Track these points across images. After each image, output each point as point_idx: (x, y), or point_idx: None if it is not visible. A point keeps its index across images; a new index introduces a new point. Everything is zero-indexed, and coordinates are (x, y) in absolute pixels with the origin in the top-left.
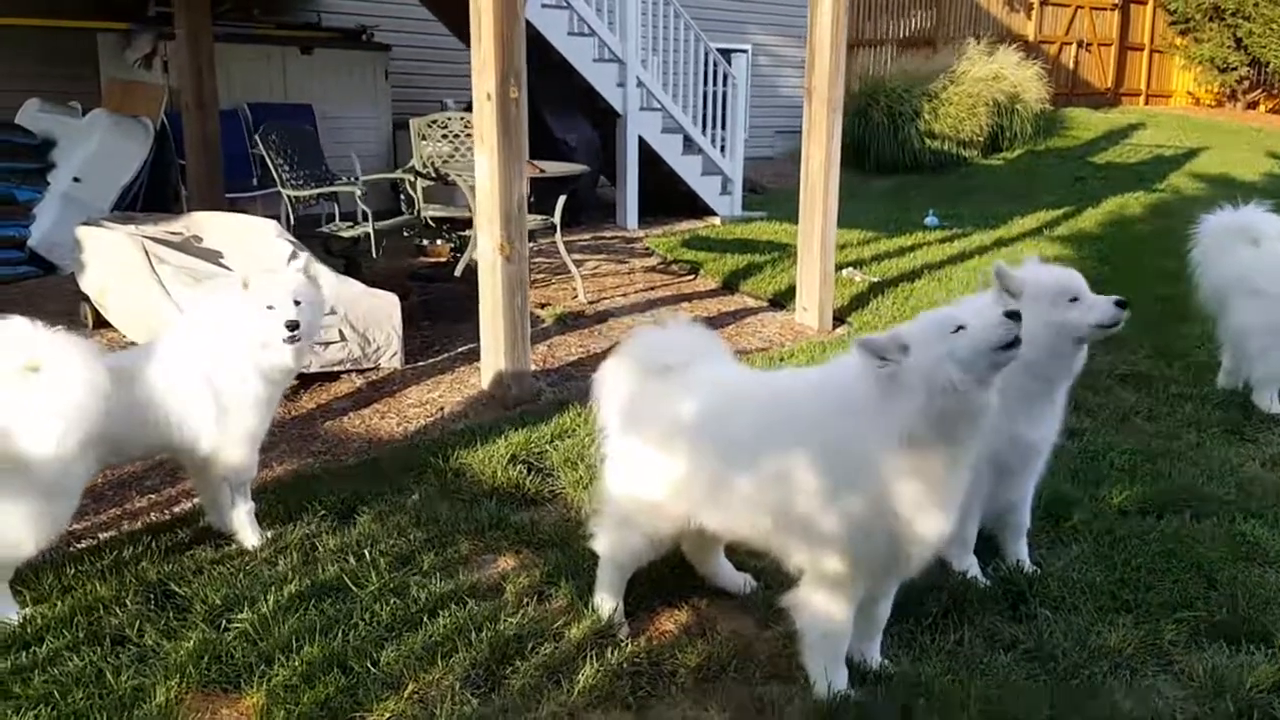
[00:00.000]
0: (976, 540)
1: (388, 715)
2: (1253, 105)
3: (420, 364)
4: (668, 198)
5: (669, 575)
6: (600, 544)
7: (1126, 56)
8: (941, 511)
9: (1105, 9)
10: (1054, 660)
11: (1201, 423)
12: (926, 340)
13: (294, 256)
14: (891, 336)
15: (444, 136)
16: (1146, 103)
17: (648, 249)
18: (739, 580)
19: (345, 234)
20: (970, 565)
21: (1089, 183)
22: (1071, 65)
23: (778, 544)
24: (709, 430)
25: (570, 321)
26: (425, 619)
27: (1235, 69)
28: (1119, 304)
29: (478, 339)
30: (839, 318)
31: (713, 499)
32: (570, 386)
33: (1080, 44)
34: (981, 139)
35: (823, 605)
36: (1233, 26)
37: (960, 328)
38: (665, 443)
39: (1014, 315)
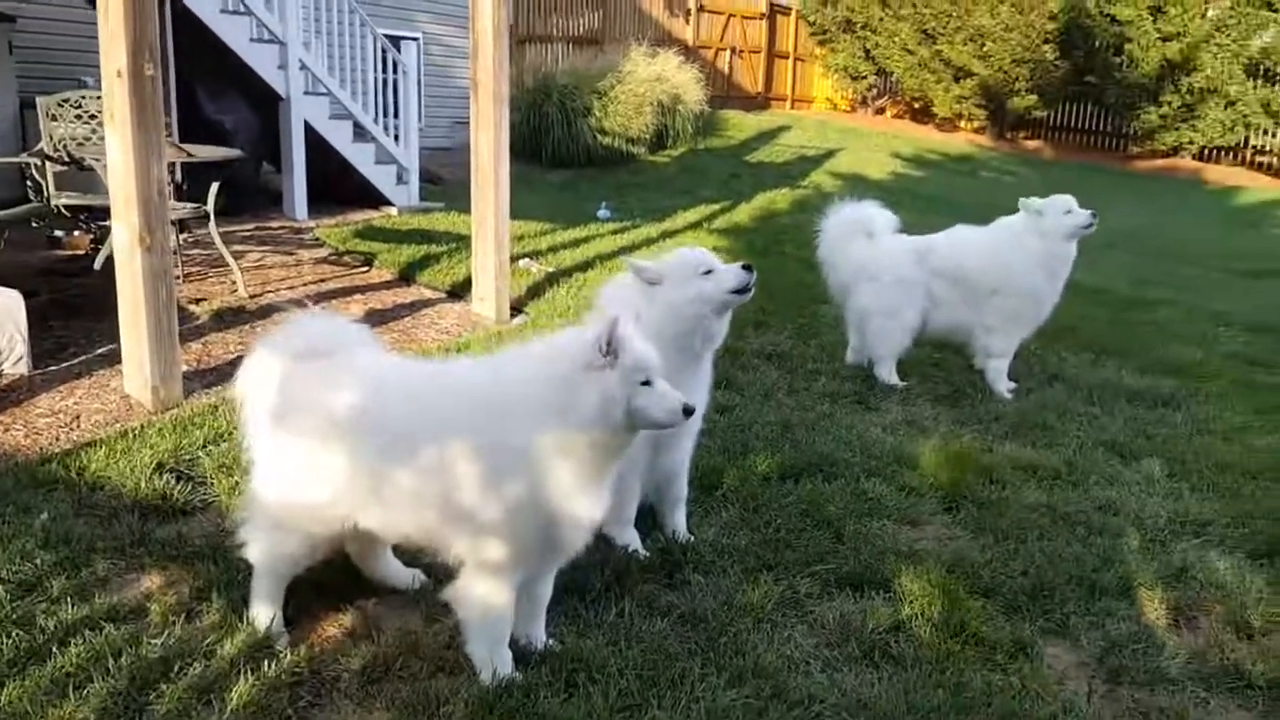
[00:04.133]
0: (638, 515)
1: None
2: (880, 111)
3: (53, 368)
4: (341, 187)
5: (333, 579)
6: (253, 552)
7: (774, 63)
8: (596, 495)
9: (755, 18)
10: (705, 622)
11: (834, 395)
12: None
13: None
14: (601, 345)
15: (78, 117)
16: (793, 107)
17: (318, 240)
18: (407, 577)
19: None
20: (631, 539)
21: (742, 179)
22: (726, 70)
23: (440, 537)
24: (366, 424)
25: (229, 317)
26: (55, 649)
27: (865, 77)
28: (745, 268)
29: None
30: (516, 308)
31: (374, 496)
32: (228, 387)
33: (733, 50)
34: (648, 136)
35: (483, 593)
36: (862, 39)
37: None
38: (319, 440)
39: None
